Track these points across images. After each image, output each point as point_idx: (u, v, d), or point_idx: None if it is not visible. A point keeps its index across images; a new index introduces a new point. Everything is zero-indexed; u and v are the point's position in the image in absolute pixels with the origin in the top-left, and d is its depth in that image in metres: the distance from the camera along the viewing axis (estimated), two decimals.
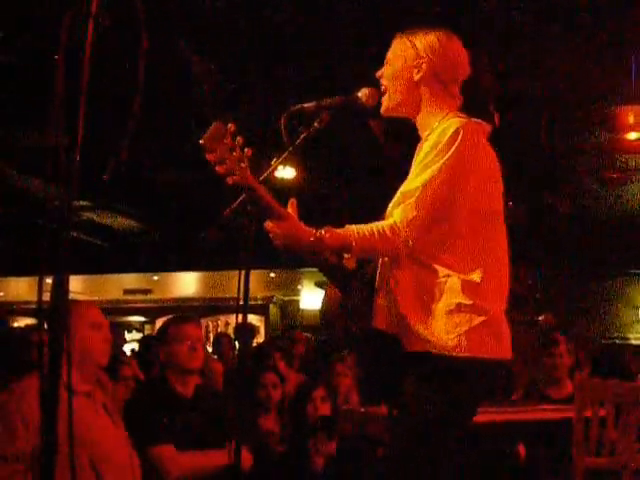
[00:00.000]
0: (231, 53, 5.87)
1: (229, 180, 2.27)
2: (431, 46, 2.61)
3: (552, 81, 6.73)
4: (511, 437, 4.74)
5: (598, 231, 10.74)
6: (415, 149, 2.64)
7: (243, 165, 2.27)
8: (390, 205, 2.54)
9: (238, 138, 2.26)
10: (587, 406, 4.05)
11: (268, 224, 2.42)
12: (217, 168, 2.26)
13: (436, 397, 2.40)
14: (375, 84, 2.68)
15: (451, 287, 2.41)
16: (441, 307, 2.40)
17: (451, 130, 2.44)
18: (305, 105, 2.56)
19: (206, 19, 5.53)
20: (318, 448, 4.34)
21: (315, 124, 2.54)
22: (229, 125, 2.25)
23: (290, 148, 2.48)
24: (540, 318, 7.65)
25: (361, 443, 4.48)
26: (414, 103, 2.63)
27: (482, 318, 2.40)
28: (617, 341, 11.97)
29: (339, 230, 2.40)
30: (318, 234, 2.38)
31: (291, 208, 2.46)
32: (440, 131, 2.49)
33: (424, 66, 2.60)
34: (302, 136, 2.52)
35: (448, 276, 2.42)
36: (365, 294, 2.60)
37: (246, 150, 2.27)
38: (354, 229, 2.39)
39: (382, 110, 2.68)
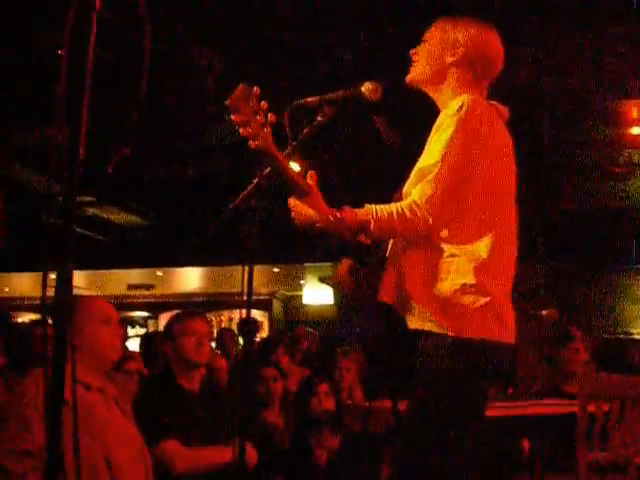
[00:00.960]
0: (235, 47, 5.87)
1: (251, 144, 2.27)
2: (473, 37, 2.64)
3: (556, 75, 6.72)
4: (516, 432, 4.75)
5: (602, 225, 10.72)
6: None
7: (266, 130, 2.27)
8: (407, 183, 2.53)
9: (263, 102, 2.25)
10: (591, 400, 4.05)
11: (291, 201, 2.43)
12: (241, 130, 2.26)
13: (441, 377, 2.40)
14: (376, 79, 2.69)
15: (457, 267, 2.41)
16: (446, 287, 2.40)
17: (458, 105, 2.45)
18: (308, 99, 2.56)
19: (210, 12, 5.52)
20: (322, 443, 4.34)
21: (318, 118, 2.54)
22: (255, 88, 2.24)
23: (294, 142, 2.48)
24: (543, 313, 7.63)
25: (365, 438, 4.49)
26: (438, 83, 2.65)
27: (486, 299, 2.39)
28: (621, 336, 11.95)
29: (358, 210, 2.38)
30: (338, 215, 2.37)
31: (312, 181, 2.46)
32: (447, 109, 2.50)
33: (460, 52, 2.63)
34: (305, 130, 2.52)
35: (455, 255, 2.41)
36: (378, 268, 2.59)
37: (269, 115, 2.27)
38: (373, 209, 2.37)
39: (407, 79, 2.69)
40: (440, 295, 2.40)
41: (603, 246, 11.02)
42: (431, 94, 2.70)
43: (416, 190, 2.41)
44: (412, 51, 2.71)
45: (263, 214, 2.43)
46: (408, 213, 2.35)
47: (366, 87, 2.64)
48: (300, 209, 2.42)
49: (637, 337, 12.10)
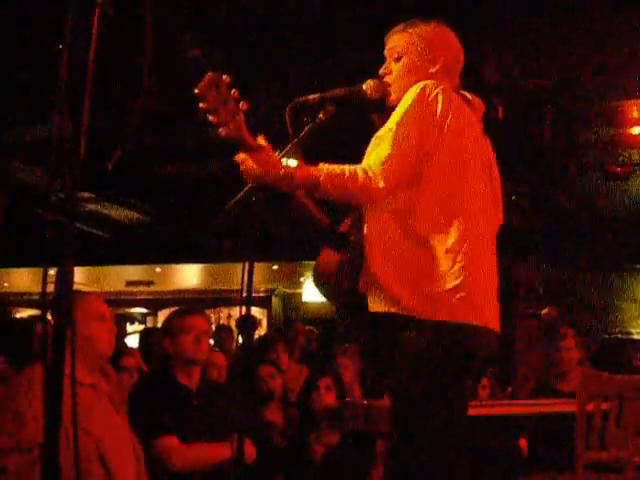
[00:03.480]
0: (236, 44, 5.86)
1: (221, 132, 2.25)
2: (440, 38, 2.65)
3: (556, 75, 6.72)
4: (513, 431, 4.76)
5: (601, 225, 10.72)
6: None
7: (237, 118, 2.25)
8: (366, 153, 2.52)
9: (233, 91, 2.23)
10: (590, 400, 4.05)
11: (240, 155, 2.39)
12: (210, 117, 2.24)
13: (412, 360, 2.40)
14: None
15: (427, 249, 2.40)
16: (415, 269, 2.39)
17: (414, 87, 2.47)
18: (309, 97, 2.56)
19: (210, 9, 5.52)
20: (319, 439, 4.35)
21: (320, 116, 2.54)
22: (224, 76, 2.23)
23: (295, 140, 2.48)
24: (543, 311, 7.65)
25: (363, 435, 4.49)
26: None
27: (457, 282, 2.38)
28: (619, 336, 11.95)
29: (310, 167, 2.38)
30: (289, 168, 2.36)
31: (261, 141, 2.42)
32: (411, 88, 2.50)
33: (440, 60, 2.62)
34: (307, 128, 2.51)
35: (425, 240, 2.40)
36: (353, 257, 2.58)
37: (241, 103, 2.25)
38: (325, 167, 2.37)
39: (391, 101, 2.66)
40: (409, 279, 2.39)
41: (603, 246, 11.01)
42: None
43: (372, 156, 2.42)
44: (382, 70, 2.69)
45: (262, 211, 2.43)
46: (360, 173, 2.35)
47: (367, 85, 2.64)
48: (250, 163, 2.38)
49: (636, 337, 12.11)
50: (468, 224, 2.45)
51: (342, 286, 2.61)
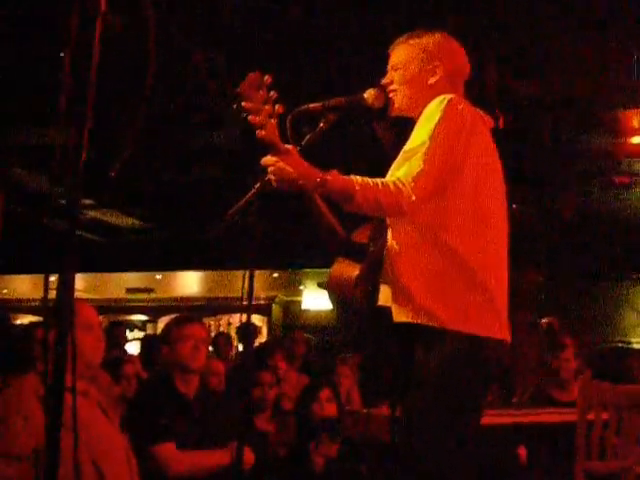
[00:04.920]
0: (240, 49, 5.87)
1: (259, 133, 2.25)
2: (442, 49, 2.65)
3: (557, 84, 6.73)
4: (513, 439, 4.74)
5: (602, 234, 10.72)
6: None
7: (272, 121, 2.26)
8: (392, 167, 2.51)
9: (272, 92, 2.25)
10: (590, 409, 4.05)
11: (269, 158, 2.36)
12: (250, 118, 2.24)
13: (439, 372, 2.39)
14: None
15: (457, 264, 2.40)
16: (445, 282, 2.39)
17: (440, 99, 2.47)
18: (311, 105, 2.56)
19: (214, 14, 5.53)
20: (320, 450, 4.33)
21: (321, 125, 2.54)
22: (266, 77, 2.24)
23: (296, 149, 2.47)
24: (543, 321, 7.63)
25: (363, 444, 4.48)
26: (424, 105, 2.60)
27: (485, 296, 2.40)
28: (620, 345, 11.94)
29: (343, 176, 2.36)
30: (323, 175, 2.34)
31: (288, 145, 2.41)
32: (430, 104, 2.50)
33: (439, 70, 2.63)
34: (307, 137, 2.52)
35: (455, 253, 2.41)
36: (373, 269, 2.58)
37: (277, 106, 2.26)
38: (359, 178, 2.35)
39: (392, 112, 2.67)
40: (439, 291, 2.40)
41: (603, 255, 11.01)
42: (418, 117, 2.65)
43: (402, 170, 2.40)
44: (384, 81, 2.69)
45: (263, 219, 2.43)
46: (392, 187, 2.34)
47: (369, 94, 2.64)
48: (282, 165, 2.35)
49: (636, 346, 12.09)
50: (493, 236, 2.49)
51: (358, 297, 2.61)
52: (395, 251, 2.49)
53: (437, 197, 2.42)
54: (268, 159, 2.37)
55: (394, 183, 2.34)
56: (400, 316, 2.45)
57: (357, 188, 2.32)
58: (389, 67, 2.71)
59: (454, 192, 2.44)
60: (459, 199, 2.44)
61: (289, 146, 2.37)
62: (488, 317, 2.42)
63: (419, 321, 2.40)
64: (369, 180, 2.35)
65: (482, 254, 2.43)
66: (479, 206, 2.46)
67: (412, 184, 2.34)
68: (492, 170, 2.55)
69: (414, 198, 2.33)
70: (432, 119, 2.43)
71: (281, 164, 2.35)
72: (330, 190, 2.35)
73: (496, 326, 2.44)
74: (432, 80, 2.63)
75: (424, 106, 2.59)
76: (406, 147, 2.48)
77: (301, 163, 2.36)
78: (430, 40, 2.67)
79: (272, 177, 2.38)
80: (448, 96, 2.48)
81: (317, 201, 2.58)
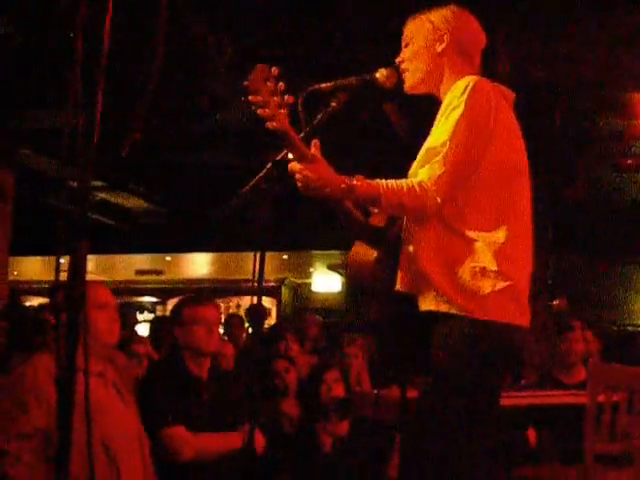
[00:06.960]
0: (247, 30, 5.85)
1: (269, 125, 2.24)
2: (448, 18, 2.63)
3: (567, 67, 6.69)
4: (522, 422, 4.74)
5: (611, 218, 10.70)
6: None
7: (282, 111, 2.25)
8: (414, 164, 2.51)
9: (280, 83, 2.23)
10: (600, 391, 4.04)
11: (295, 165, 2.37)
12: (259, 111, 2.23)
13: (459, 359, 2.39)
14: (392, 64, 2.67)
15: (476, 251, 2.39)
16: (465, 270, 2.39)
17: (464, 84, 2.44)
18: (322, 85, 2.54)
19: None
20: (327, 429, 4.34)
21: (332, 104, 2.52)
22: (273, 68, 2.23)
23: (307, 128, 2.46)
24: (554, 302, 7.63)
25: (372, 425, 4.48)
26: (437, 77, 2.61)
27: (506, 283, 2.39)
28: (629, 328, 11.93)
29: (369, 181, 2.38)
30: (349, 181, 2.36)
31: (315, 149, 2.41)
32: (453, 89, 2.48)
33: (446, 37, 2.61)
34: (319, 116, 2.50)
35: (473, 240, 2.40)
36: (390, 253, 2.58)
37: (286, 97, 2.25)
38: (384, 182, 2.37)
39: (406, 88, 2.66)
40: (459, 278, 2.39)
41: (613, 238, 10.98)
42: (433, 92, 2.67)
43: (424, 170, 2.40)
44: (398, 59, 2.67)
45: (274, 200, 2.42)
46: (418, 189, 2.35)
47: (381, 73, 2.62)
48: (308, 174, 2.36)
49: None
50: (516, 225, 2.47)
51: (377, 280, 2.61)
52: (414, 240, 2.49)
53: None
54: (294, 166, 2.37)
55: (420, 186, 2.36)
56: (422, 305, 2.45)
57: (382, 192, 2.35)
58: (402, 45, 2.70)
59: (473, 183, 2.43)
60: (479, 189, 2.43)
61: (315, 153, 2.38)
62: (510, 305, 2.41)
63: (440, 309, 2.40)
64: (394, 183, 2.37)
65: (504, 243, 2.41)
66: (501, 194, 2.45)
67: (435, 187, 2.35)
68: (515, 150, 2.53)
69: (439, 200, 2.36)
70: (454, 113, 2.41)
71: (307, 172, 2.36)
72: (357, 196, 2.39)
73: (516, 312, 2.43)
74: (439, 48, 2.61)
75: (435, 79, 2.61)
76: (428, 144, 2.47)
77: (327, 171, 2.38)
78: (438, 11, 2.65)
79: (299, 184, 2.39)
80: (472, 81, 2.44)
81: (344, 203, 2.58)
